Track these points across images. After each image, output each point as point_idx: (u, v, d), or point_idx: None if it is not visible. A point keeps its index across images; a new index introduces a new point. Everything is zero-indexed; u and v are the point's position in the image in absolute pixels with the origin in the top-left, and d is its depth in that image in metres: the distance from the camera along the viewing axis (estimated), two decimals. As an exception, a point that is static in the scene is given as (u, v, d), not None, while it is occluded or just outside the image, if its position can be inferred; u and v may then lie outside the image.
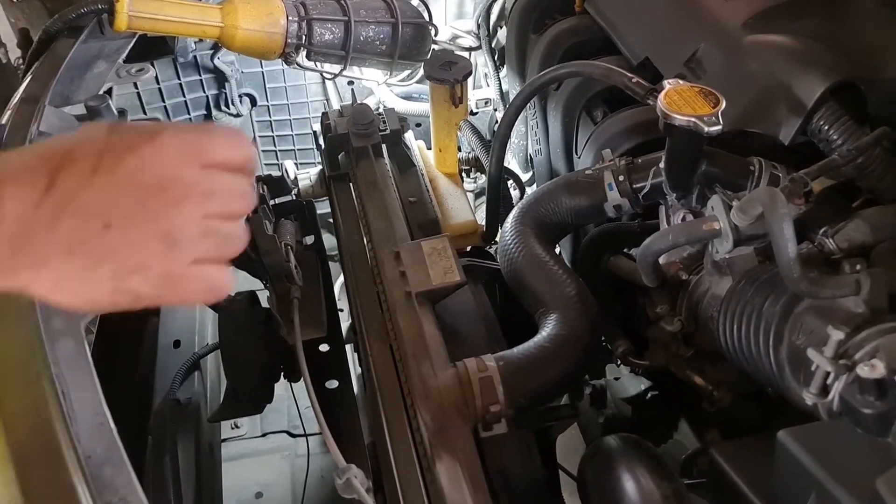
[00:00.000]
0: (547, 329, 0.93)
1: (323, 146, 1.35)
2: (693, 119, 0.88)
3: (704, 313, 0.99)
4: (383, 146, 1.29)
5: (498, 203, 1.24)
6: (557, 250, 1.22)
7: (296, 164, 1.51)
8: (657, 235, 0.90)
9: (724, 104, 0.90)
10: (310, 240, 1.31)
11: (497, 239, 1.24)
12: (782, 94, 1.03)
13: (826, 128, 0.99)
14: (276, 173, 1.35)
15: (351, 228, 1.18)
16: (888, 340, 0.69)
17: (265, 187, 1.18)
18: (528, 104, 1.31)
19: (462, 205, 1.34)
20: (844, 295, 0.75)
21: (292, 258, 1.12)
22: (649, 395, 1.26)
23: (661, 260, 1.01)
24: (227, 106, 2.22)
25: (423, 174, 1.35)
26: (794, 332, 0.78)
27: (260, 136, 2.35)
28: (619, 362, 1.15)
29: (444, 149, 1.41)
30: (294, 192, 1.50)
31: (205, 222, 0.59)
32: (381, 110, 1.35)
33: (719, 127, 0.88)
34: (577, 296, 0.98)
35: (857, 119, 1.01)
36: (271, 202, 1.22)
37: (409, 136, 1.41)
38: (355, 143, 1.25)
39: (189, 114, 2.21)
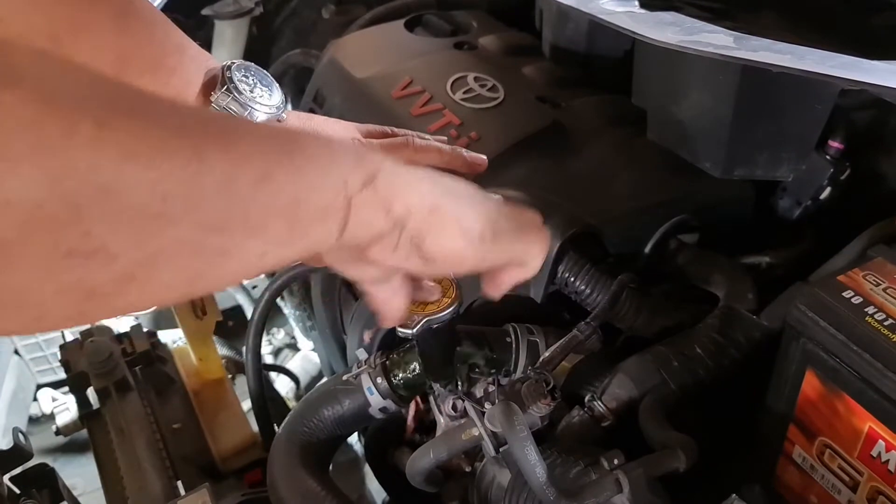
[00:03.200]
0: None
1: (68, 386, 1.20)
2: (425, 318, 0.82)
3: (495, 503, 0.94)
4: (133, 374, 1.16)
5: (266, 412, 1.13)
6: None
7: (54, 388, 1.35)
8: (420, 453, 0.83)
9: (455, 290, 0.85)
10: (64, 506, 1.14)
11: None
12: (524, 253, 1.00)
13: (572, 280, 0.98)
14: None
15: (112, 482, 1.04)
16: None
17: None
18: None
19: (234, 416, 1.22)
20: (608, 498, 0.71)
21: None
22: None
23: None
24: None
25: (187, 389, 1.23)
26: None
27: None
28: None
29: (203, 357, 1.29)
30: (53, 428, 1.35)
31: None
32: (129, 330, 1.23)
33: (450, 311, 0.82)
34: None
35: (601, 258, 1.01)
36: (6, 477, 1.04)
37: (168, 344, 1.29)
38: (95, 384, 1.12)
39: None
